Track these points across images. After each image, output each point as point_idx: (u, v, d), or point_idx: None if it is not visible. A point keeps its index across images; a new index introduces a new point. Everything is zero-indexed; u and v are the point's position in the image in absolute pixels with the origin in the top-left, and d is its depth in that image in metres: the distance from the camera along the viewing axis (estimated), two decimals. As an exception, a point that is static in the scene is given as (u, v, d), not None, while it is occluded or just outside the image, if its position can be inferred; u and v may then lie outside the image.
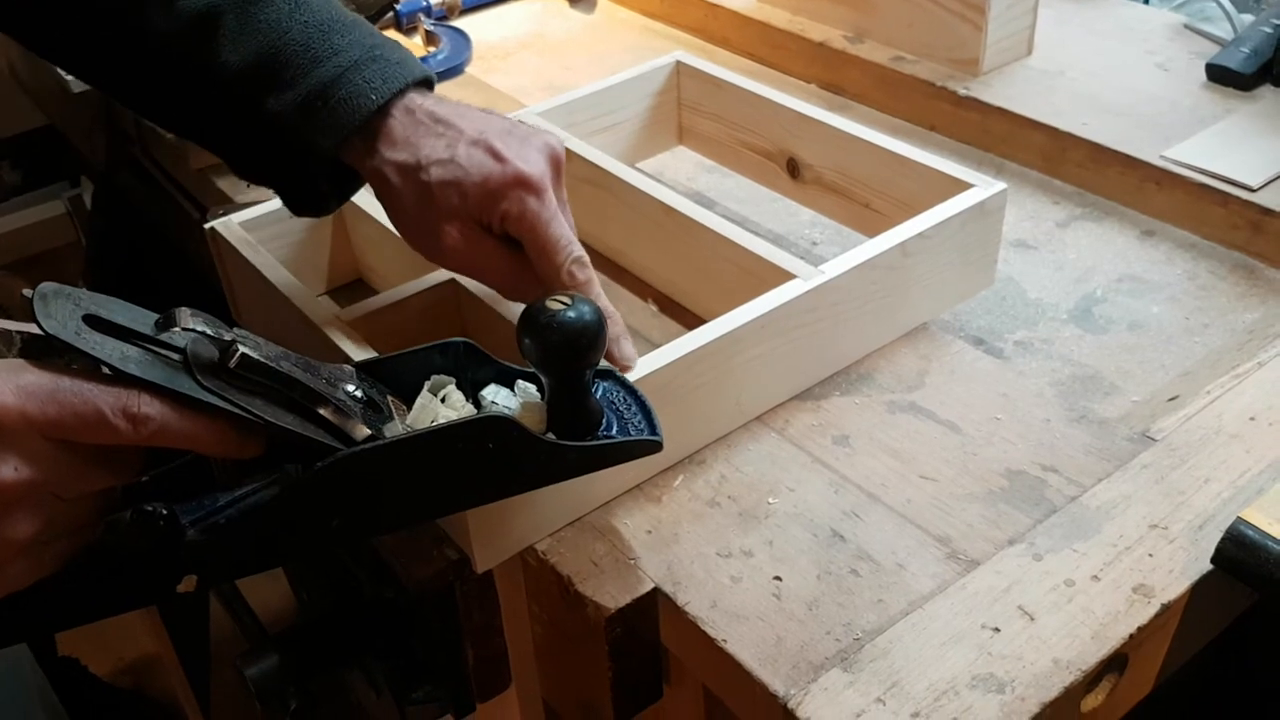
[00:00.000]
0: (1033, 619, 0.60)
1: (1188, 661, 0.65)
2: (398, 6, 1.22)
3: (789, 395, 0.75)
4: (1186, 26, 1.12)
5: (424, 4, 1.24)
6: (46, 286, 0.49)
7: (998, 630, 0.59)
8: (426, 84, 0.67)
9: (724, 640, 0.60)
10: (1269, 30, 1.02)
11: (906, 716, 0.56)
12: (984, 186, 0.77)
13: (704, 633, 0.61)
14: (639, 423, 0.63)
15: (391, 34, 1.23)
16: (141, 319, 0.50)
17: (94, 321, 0.49)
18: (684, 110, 0.99)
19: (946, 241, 0.76)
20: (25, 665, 0.80)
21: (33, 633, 0.53)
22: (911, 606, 0.61)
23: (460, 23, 1.29)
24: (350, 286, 0.90)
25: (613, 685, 0.65)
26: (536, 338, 0.57)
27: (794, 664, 0.59)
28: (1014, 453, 0.70)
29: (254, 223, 0.82)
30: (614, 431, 0.62)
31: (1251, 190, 0.87)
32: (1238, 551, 0.60)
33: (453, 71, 1.19)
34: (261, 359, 0.51)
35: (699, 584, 0.63)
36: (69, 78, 1.21)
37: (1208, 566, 0.61)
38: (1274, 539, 0.59)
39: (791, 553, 0.65)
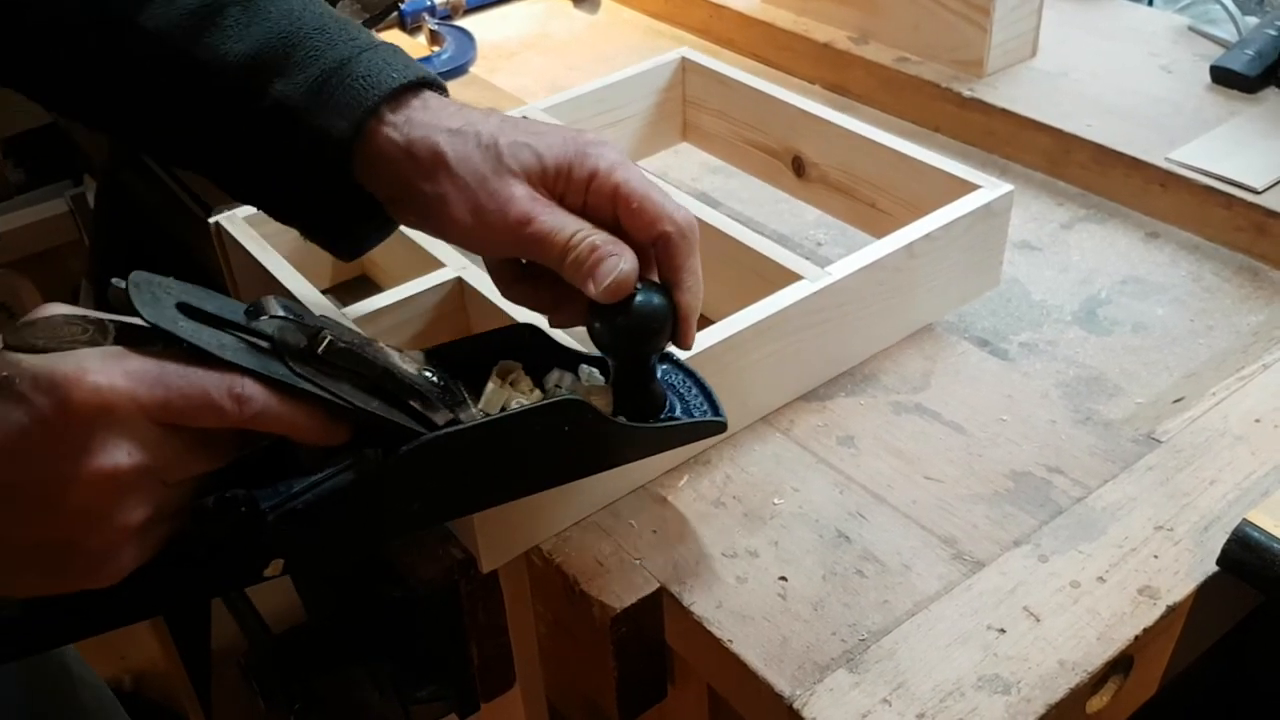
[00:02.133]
0: (1038, 620, 0.60)
1: (1193, 663, 0.65)
2: (402, 6, 1.22)
3: (794, 396, 0.75)
4: (1191, 29, 1.12)
5: (428, 4, 1.24)
6: (139, 275, 0.49)
7: (1003, 631, 0.59)
8: (441, 91, 0.62)
9: (729, 640, 0.60)
10: (1273, 33, 1.02)
11: (912, 717, 0.56)
12: (991, 188, 0.78)
13: (709, 633, 0.61)
14: (700, 404, 0.64)
15: (396, 34, 1.23)
16: (230, 308, 0.51)
17: (186, 309, 0.50)
18: (689, 107, 0.99)
19: (953, 243, 0.76)
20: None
21: (127, 619, 0.53)
22: (917, 607, 0.61)
23: (464, 22, 1.29)
24: (355, 283, 0.90)
25: (617, 685, 0.65)
26: (607, 322, 0.57)
27: (799, 664, 0.59)
28: (1019, 454, 0.70)
29: (259, 218, 0.82)
30: (678, 413, 0.63)
31: (1256, 192, 0.87)
32: (1243, 553, 0.60)
33: (457, 71, 1.19)
34: (348, 345, 0.51)
35: (704, 584, 0.63)
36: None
37: (1213, 568, 0.61)
38: (1279, 541, 0.59)
39: (797, 553, 0.65)
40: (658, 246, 0.58)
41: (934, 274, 0.77)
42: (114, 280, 0.48)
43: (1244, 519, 0.60)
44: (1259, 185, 0.87)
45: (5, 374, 0.45)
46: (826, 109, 0.88)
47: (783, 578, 0.63)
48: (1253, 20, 1.08)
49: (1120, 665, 0.59)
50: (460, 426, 0.54)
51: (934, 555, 0.64)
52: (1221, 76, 1.02)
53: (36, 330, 0.47)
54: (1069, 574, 0.62)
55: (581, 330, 0.60)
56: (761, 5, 1.19)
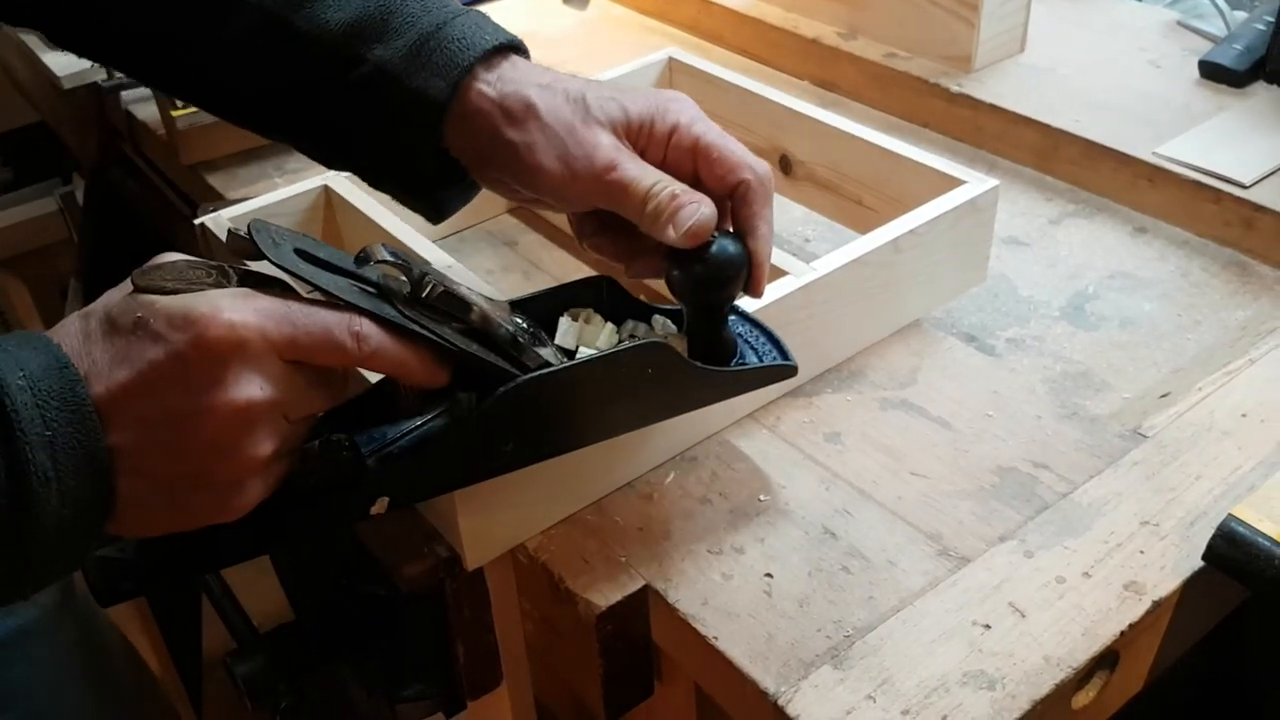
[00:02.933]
0: (1023, 616, 0.60)
1: (1179, 658, 0.65)
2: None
3: (781, 392, 0.75)
4: (1179, 23, 1.12)
5: (416, 0, 1.24)
6: (258, 222, 0.52)
7: (988, 627, 0.59)
8: (526, 55, 0.65)
9: (715, 638, 0.60)
10: (1261, 27, 1.02)
11: (897, 714, 0.56)
12: (976, 183, 0.77)
13: (695, 630, 0.61)
14: (769, 351, 0.66)
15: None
16: (338, 255, 0.54)
17: (302, 255, 0.52)
18: (676, 107, 0.99)
19: (938, 238, 0.76)
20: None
21: (240, 557, 0.56)
22: (902, 603, 0.61)
23: (453, 19, 1.28)
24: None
25: (603, 682, 0.65)
26: (685, 269, 0.60)
27: (784, 661, 0.58)
28: (1005, 450, 0.70)
29: (243, 219, 0.81)
30: (748, 360, 0.65)
31: (1244, 187, 0.87)
32: (1229, 548, 0.60)
33: (445, 68, 1.18)
34: (451, 291, 0.54)
35: (690, 581, 0.63)
36: (61, 74, 1.21)
37: (1199, 563, 0.61)
38: (1265, 536, 0.59)
39: (783, 550, 0.65)
40: (735, 195, 0.61)
41: (920, 270, 0.76)
42: (232, 227, 0.50)
43: (1229, 514, 0.60)
44: (1247, 180, 0.87)
45: (140, 315, 0.47)
46: (813, 107, 0.88)
47: (768, 574, 0.63)
48: (1241, 15, 1.08)
49: (1106, 661, 0.59)
50: (554, 368, 0.58)
51: (919, 551, 0.64)
52: (1210, 71, 1.02)
53: (164, 273, 0.49)
54: (1054, 569, 0.62)
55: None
56: (751, 1, 1.19)
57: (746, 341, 0.67)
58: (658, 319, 0.65)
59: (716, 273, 0.60)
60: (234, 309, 0.48)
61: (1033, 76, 1.04)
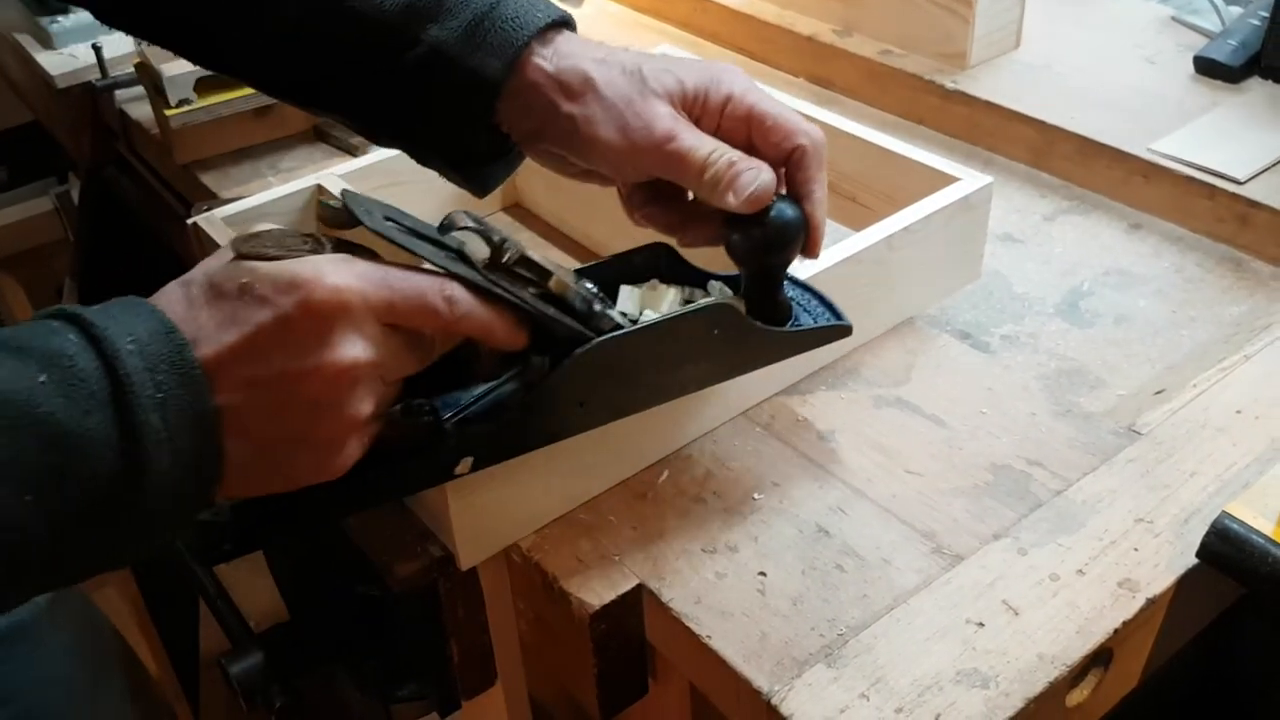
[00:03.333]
0: (1017, 613, 0.60)
1: (1173, 655, 0.65)
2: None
3: (775, 390, 0.75)
4: (1174, 19, 1.12)
5: None
6: (349, 192, 0.54)
7: (982, 625, 0.59)
8: (575, 30, 0.65)
9: (708, 636, 0.60)
10: (1256, 22, 1.02)
11: (890, 712, 0.55)
12: (969, 180, 0.77)
13: (688, 629, 0.61)
14: (822, 313, 0.68)
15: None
16: (422, 224, 0.56)
17: (391, 222, 0.54)
18: (671, 104, 0.99)
19: (932, 235, 0.76)
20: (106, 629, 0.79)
21: (332, 517, 0.59)
22: (896, 601, 0.61)
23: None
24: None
25: (598, 682, 0.65)
26: (744, 233, 0.62)
27: (778, 660, 0.58)
28: (999, 447, 0.70)
29: (237, 218, 0.81)
30: (803, 322, 0.67)
31: (1239, 183, 0.87)
32: (1223, 546, 0.59)
33: (440, 66, 1.18)
34: (529, 256, 0.56)
35: (683, 580, 0.63)
36: (55, 74, 1.21)
37: (1193, 560, 0.61)
38: (1259, 533, 0.59)
39: (776, 548, 0.64)
40: (791, 161, 0.63)
41: (914, 267, 0.76)
42: (322, 199, 0.52)
43: (1223, 511, 0.60)
44: (1242, 176, 0.87)
45: (245, 280, 0.49)
46: (808, 104, 0.88)
47: (762, 573, 0.63)
48: (1236, 10, 1.08)
49: (1100, 658, 0.59)
50: (627, 329, 0.60)
51: (913, 549, 0.64)
52: (1205, 67, 1.02)
53: (264, 240, 0.51)
54: (1048, 567, 0.62)
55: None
56: (745, -2, 1.19)
57: (799, 304, 0.68)
58: (713, 284, 0.66)
59: (776, 236, 0.62)
60: (336, 273, 0.50)
61: (1028, 73, 1.04)
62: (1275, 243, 0.85)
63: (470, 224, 0.55)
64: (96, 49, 1.15)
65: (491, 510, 0.64)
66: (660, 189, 0.65)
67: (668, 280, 0.66)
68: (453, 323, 0.54)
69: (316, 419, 0.51)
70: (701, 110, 0.63)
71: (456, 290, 0.54)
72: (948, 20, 1.04)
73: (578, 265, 0.65)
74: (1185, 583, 0.61)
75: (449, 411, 0.58)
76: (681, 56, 0.69)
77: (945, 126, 1.03)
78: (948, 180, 0.78)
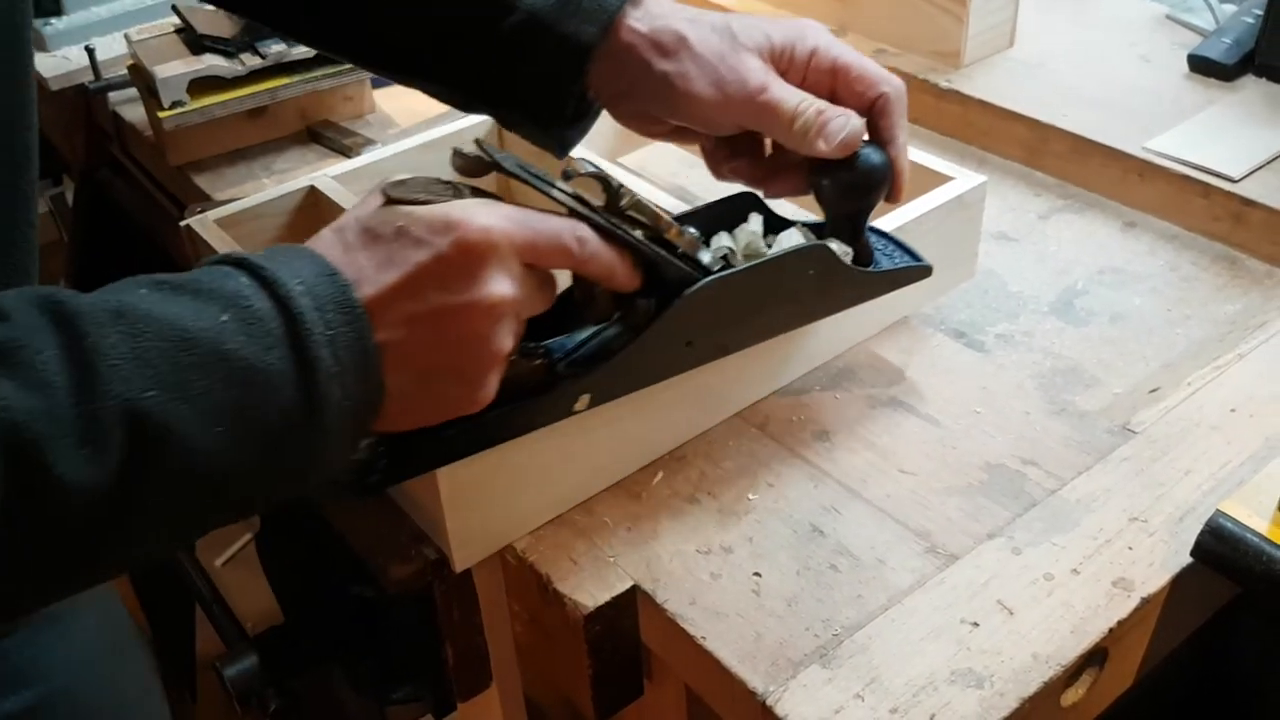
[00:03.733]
0: (1012, 613, 0.59)
1: (1169, 654, 0.65)
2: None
3: (770, 390, 0.75)
4: (1168, 17, 1.12)
5: None
6: (481, 140, 0.58)
7: (976, 625, 0.59)
8: None
9: (703, 638, 0.60)
10: (1250, 20, 1.02)
11: (885, 712, 0.55)
12: (964, 179, 0.77)
13: (683, 630, 0.61)
14: (901, 257, 0.71)
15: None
16: (541, 170, 0.58)
17: (521, 167, 0.57)
18: (665, 104, 0.99)
19: (926, 235, 0.76)
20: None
21: (473, 449, 0.61)
22: (890, 601, 0.61)
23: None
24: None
25: (593, 683, 0.65)
26: (834, 178, 0.65)
27: (773, 661, 0.58)
28: (994, 446, 0.70)
29: (229, 220, 0.81)
30: (884, 266, 0.70)
31: (1233, 181, 0.86)
32: (1217, 544, 0.59)
33: (434, 67, 1.18)
34: (644, 201, 0.59)
35: (678, 581, 0.63)
36: (48, 76, 1.20)
37: (1188, 559, 0.61)
38: (1253, 531, 0.59)
39: (771, 549, 0.64)
40: (875, 109, 0.66)
41: (909, 266, 0.76)
42: (456, 148, 0.57)
43: (1217, 509, 0.60)
44: (1236, 174, 0.87)
45: (400, 223, 0.52)
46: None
47: (757, 574, 0.63)
48: (1230, 8, 1.08)
49: (1095, 658, 0.59)
50: (734, 269, 0.63)
51: (908, 549, 0.64)
52: (1199, 65, 1.02)
53: (413, 187, 0.54)
54: (1043, 566, 0.62)
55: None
56: (739, -2, 1.19)
57: (877, 249, 0.71)
58: (799, 229, 0.68)
59: (864, 180, 0.65)
60: (485, 214, 0.53)
61: (1022, 71, 1.04)
62: (1270, 241, 0.85)
63: (591, 169, 0.57)
64: (89, 51, 1.15)
65: (486, 512, 0.64)
66: (740, 144, 0.69)
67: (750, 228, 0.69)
68: (582, 262, 0.57)
69: (466, 352, 0.54)
70: (788, 64, 0.66)
71: (586, 231, 0.57)
72: (942, 19, 1.04)
73: (676, 213, 0.68)
74: (1180, 582, 0.61)
75: (558, 354, 0.61)
76: (761, 14, 0.72)
77: (939, 125, 1.03)
78: (942, 179, 0.78)
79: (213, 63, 1.02)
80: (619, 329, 0.62)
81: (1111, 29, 1.11)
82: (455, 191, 0.55)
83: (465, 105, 0.73)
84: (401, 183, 0.54)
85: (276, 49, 1.03)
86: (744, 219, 0.68)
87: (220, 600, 0.80)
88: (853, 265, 0.68)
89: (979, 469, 0.68)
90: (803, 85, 0.65)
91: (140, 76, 1.06)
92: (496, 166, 0.56)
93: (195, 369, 0.46)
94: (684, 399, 0.69)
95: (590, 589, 0.63)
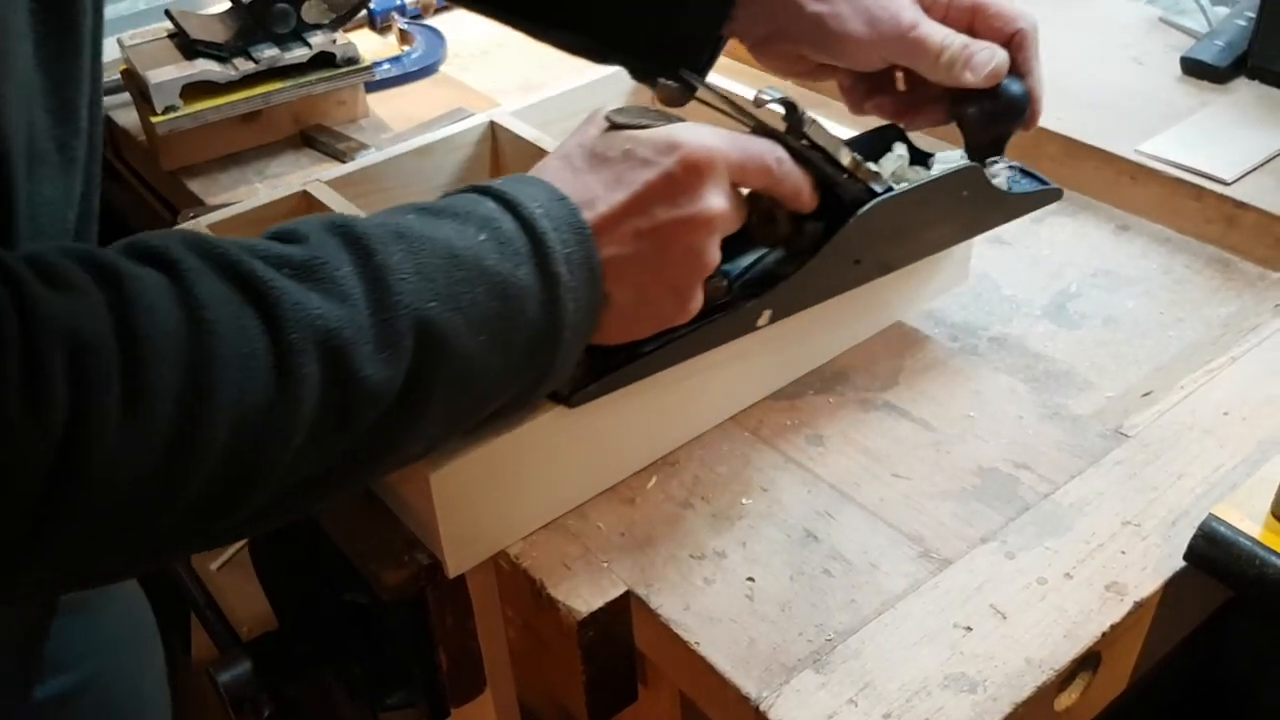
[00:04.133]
0: (1005, 618, 0.59)
1: (1162, 659, 0.65)
2: (371, 5, 1.21)
3: (763, 395, 0.75)
4: (1161, 20, 1.12)
5: (398, 2, 1.24)
6: (684, 70, 0.64)
7: (970, 629, 0.59)
8: None
9: (696, 643, 0.60)
10: (1243, 23, 1.02)
11: (878, 717, 0.55)
12: (957, 183, 0.77)
13: (676, 635, 0.61)
14: (1030, 183, 0.76)
15: (365, 33, 1.23)
16: (736, 97, 0.64)
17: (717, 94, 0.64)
18: (658, 107, 0.99)
19: (919, 238, 0.76)
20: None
21: (668, 363, 0.66)
22: (884, 606, 0.61)
23: (435, 21, 1.28)
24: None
25: (586, 689, 0.65)
26: (980, 106, 0.70)
27: (766, 666, 0.58)
28: (987, 450, 0.70)
29: (223, 225, 0.81)
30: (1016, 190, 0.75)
31: (1226, 184, 0.87)
32: (1210, 548, 0.60)
33: (427, 71, 1.18)
34: (823, 127, 0.63)
35: (672, 586, 0.63)
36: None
37: (1181, 563, 0.61)
38: (1246, 535, 0.59)
39: (764, 553, 0.64)
40: (1013, 43, 0.70)
41: (902, 270, 0.76)
42: (660, 79, 0.64)
43: (1210, 513, 0.60)
44: (1229, 177, 0.87)
45: (628, 147, 0.57)
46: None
47: (750, 579, 0.63)
48: (1223, 11, 1.08)
49: (1088, 662, 0.59)
50: (903, 189, 0.68)
51: (901, 554, 0.64)
52: (1192, 67, 1.02)
53: (631, 114, 0.59)
54: (1036, 571, 0.62)
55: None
56: (733, 1, 1.19)
57: (1008, 176, 0.76)
58: (945, 154, 0.73)
59: (1007, 108, 0.70)
60: (704, 135, 0.58)
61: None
62: (1263, 243, 0.85)
63: (778, 97, 0.61)
64: (83, 55, 1.14)
65: (479, 517, 0.64)
66: (879, 80, 0.73)
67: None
68: (778, 181, 0.62)
69: (684, 265, 0.58)
70: (930, 2, 0.70)
71: (783, 153, 0.61)
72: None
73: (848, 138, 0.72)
74: (1173, 585, 0.61)
75: (734, 275, 0.67)
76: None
77: (932, 129, 1.03)
78: (934, 183, 0.77)
79: (206, 67, 1.02)
80: (783, 253, 0.68)
81: (1104, 31, 1.11)
82: (667, 119, 0.59)
83: (604, 56, 0.75)
84: (623, 111, 0.59)
85: (270, 54, 1.03)
86: (887, 149, 0.73)
87: (214, 606, 0.80)
88: (998, 188, 0.73)
89: (972, 473, 0.68)
90: (944, 22, 0.69)
91: (133, 81, 1.06)
92: (691, 95, 0.63)
93: (464, 283, 0.51)
94: (677, 404, 0.69)
95: (584, 594, 0.63)
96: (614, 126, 0.59)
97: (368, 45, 1.18)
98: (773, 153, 0.61)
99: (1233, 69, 1.00)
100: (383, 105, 1.13)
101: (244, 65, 1.02)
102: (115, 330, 0.41)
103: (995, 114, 0.70)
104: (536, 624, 0.66)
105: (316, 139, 1.07)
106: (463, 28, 1.27)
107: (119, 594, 0.73)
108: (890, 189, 0.67)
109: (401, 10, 1.25)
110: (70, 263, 0.43)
